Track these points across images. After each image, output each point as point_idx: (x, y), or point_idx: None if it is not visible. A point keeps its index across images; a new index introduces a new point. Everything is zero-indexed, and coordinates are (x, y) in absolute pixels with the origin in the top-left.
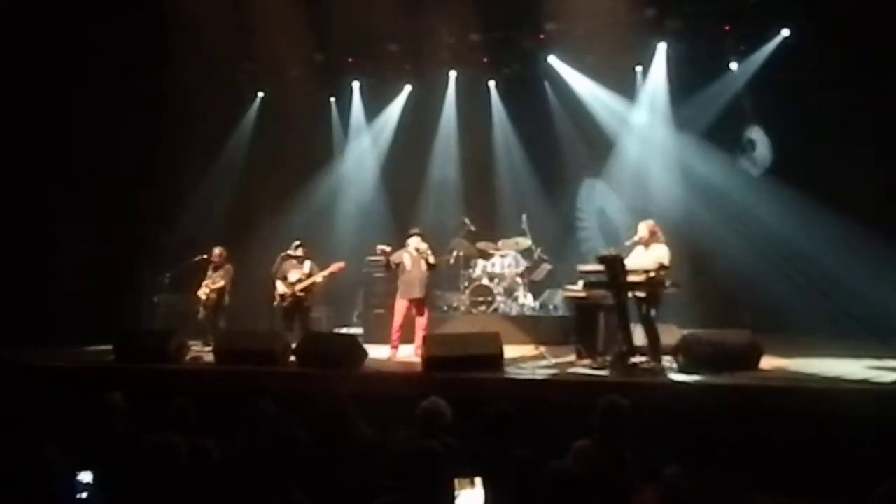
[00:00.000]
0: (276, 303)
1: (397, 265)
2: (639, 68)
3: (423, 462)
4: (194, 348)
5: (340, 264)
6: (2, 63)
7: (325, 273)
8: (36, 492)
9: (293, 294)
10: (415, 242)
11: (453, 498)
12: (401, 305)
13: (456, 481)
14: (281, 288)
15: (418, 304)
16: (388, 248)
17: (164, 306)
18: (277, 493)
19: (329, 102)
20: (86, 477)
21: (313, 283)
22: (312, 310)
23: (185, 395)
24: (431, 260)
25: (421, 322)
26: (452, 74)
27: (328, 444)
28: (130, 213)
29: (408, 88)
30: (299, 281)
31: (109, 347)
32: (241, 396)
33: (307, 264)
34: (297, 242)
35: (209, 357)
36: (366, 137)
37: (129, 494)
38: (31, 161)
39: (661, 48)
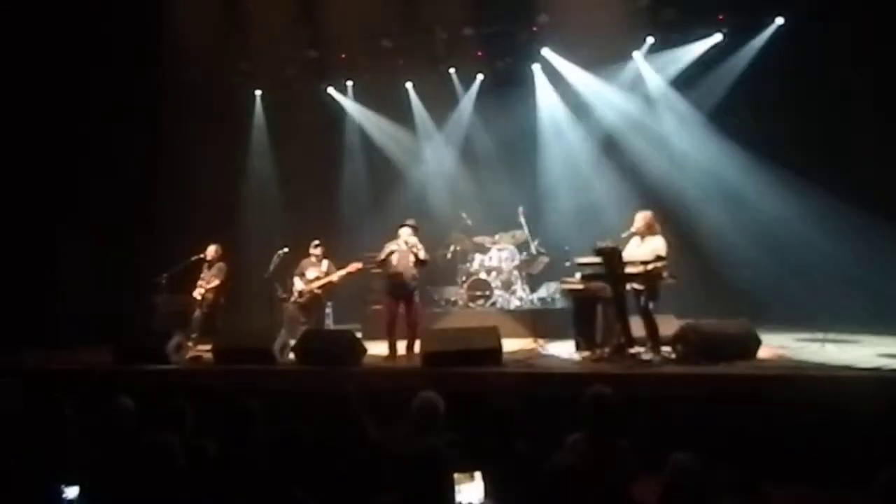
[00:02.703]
0: (292, 299)
1: (384, 259)
2: (636, 54)
3: (425, 460)
4: (196, 347)
5: (358, 264)
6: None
7: (342, 273)
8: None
9: (311, 291)
10: (405, 235)
11: (453, 493)
12: (388, 302)
13: (455, 475)
14: (299, 285)
15: (407, 301)
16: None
17: (162, 306)
18: (279, 491)
19: (328, 95)
20: (71, 492)
21: (330, 282)
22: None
23: (184, 395)
24: (422, 255)
25: (411, 319)
26: (451, 71)
27: (329, 442)
28: (128, 215)
29: (409, 86)
30: (317, 279)
31: (108, 349)
32: (240, 395)
33: (325, 263)
34: (316, 242)
35: (208, 356)
36: (366, 133)
37: (125, 496)
38: (29, 165)
39: (649, 41)
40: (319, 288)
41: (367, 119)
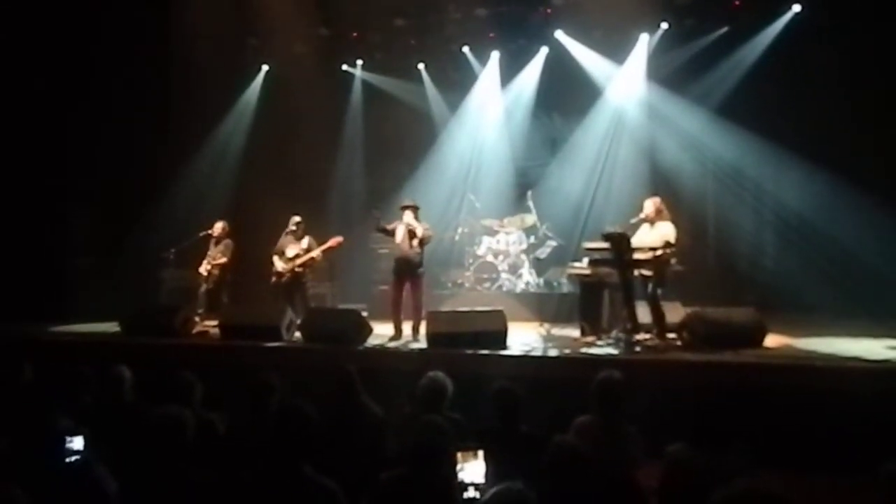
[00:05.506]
0: (273, 279)
1: (392, 232)
2: (644, 36)
3: (427, 437)
4: (202, 323)
5: (338, 239)
6: (6, 44)
7: (323, 248)
8: (26, 456)
9: (291, 270)
10: (406, 216)
11: (456, 471)
12: (393, 283)
13: (459, 454)
14: (279, 264)
15: (412, 281)
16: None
17: (169, 282)
18: (287, 467)
19: (339, 73)
20: (77, 443)
21: (311, 259)
22: (310, 286)
23: (191, 369)
24: (419, 233)
25: (416, 300)
26: (465, 49)
27: (336, 420)
28: (136, 189)
29: (421, 66)
30: (297, 257)
31: (116, 323)
32: (247, 371)
33: (305, 240)
34: (297, 219)
35: (215, 332)
36: (372, 115)
37: (134, 467)
38: (36, 138)
39: (663, 26)
40: (300, 265)
41: (380, 100)
